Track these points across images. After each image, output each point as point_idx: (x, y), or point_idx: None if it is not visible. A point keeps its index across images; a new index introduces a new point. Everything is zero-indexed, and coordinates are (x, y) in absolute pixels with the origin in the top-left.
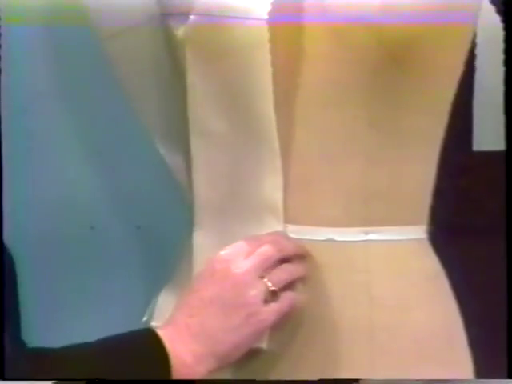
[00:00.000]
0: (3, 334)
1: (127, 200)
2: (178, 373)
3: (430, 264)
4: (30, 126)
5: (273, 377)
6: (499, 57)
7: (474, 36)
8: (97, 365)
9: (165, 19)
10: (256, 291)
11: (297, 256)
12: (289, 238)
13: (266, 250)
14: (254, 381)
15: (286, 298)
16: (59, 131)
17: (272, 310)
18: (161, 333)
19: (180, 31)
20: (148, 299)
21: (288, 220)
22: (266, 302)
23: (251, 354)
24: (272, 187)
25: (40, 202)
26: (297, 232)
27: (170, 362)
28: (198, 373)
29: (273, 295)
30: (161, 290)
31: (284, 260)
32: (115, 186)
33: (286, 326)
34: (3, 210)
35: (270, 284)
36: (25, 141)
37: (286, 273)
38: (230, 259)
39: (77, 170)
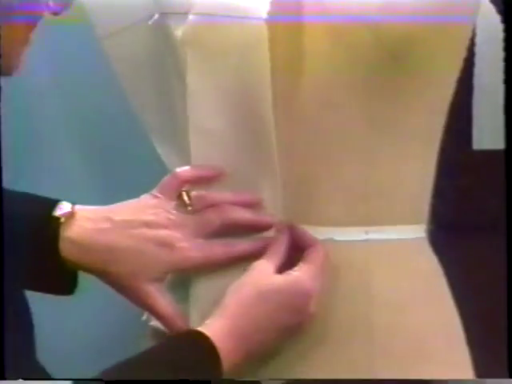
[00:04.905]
0: (3, 334)
1: (126, 199)
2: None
3: (430, 263)
4: (30, 125)
5: (272, 376)
6: (499, 57)
7: (474, 36)
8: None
9: (164, 19)
10: None
11: None
12: None
13: None
14: (254, 381)
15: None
16: (59, 131)
17: None
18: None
19: (179, 31)
20: None
21: (288, 220)
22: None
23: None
24: (270, 187)
25: None
26: None
27: (220, 360)
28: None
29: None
30: None
31: None
32: (114, 186)
33: None
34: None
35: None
36: (25, 141)
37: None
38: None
39: (76, 170)
